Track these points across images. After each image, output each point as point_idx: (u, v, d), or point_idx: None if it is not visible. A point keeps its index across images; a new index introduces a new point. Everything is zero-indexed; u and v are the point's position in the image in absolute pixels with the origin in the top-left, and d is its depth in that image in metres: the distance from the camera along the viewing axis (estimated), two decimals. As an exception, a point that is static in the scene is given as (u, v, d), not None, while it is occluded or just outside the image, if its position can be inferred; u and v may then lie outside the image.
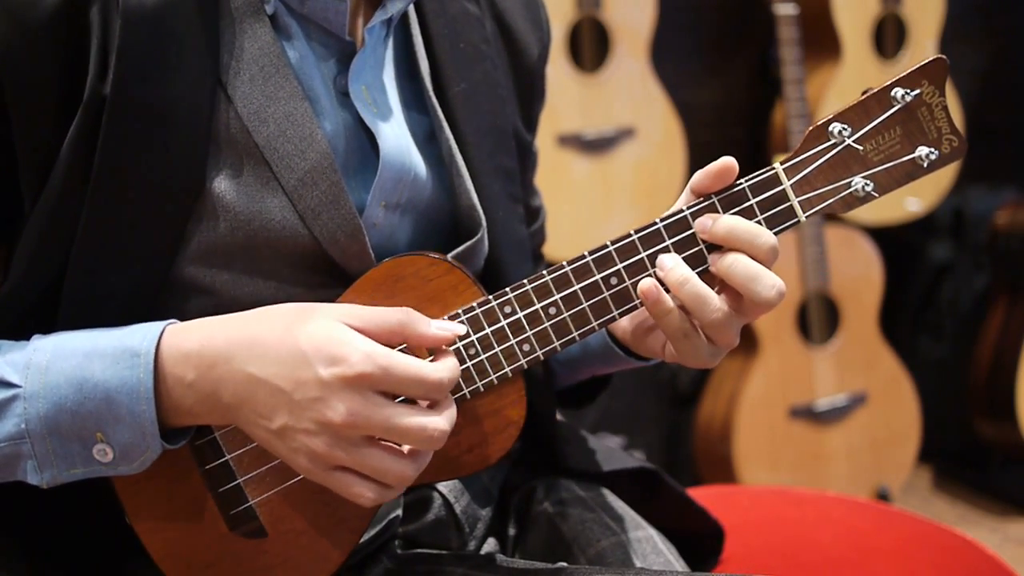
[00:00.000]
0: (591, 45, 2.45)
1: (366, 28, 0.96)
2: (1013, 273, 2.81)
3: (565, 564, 1.01)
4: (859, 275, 2.65)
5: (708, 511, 1.19)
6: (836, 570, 1.24)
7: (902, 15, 2.68)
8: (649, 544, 1.08)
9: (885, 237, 2.75)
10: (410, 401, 0.86)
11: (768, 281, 0.90)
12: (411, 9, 1.03)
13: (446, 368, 0.86)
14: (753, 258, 0.90)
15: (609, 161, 2.45)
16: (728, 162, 0.91)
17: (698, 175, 0.93)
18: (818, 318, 2.60)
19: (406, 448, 0.86)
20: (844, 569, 1.25)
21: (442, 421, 0.84)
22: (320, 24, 0.95)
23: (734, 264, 0.90)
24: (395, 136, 0.98)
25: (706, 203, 0.92)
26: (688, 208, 0.92)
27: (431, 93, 1.02)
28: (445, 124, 1.01)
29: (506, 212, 1.06)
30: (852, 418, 2.63)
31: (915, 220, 2.80)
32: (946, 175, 2.76)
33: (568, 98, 2.40)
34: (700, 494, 1.37)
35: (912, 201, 2.74)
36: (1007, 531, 2.75)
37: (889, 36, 2.68)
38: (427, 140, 1.02)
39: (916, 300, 3.03)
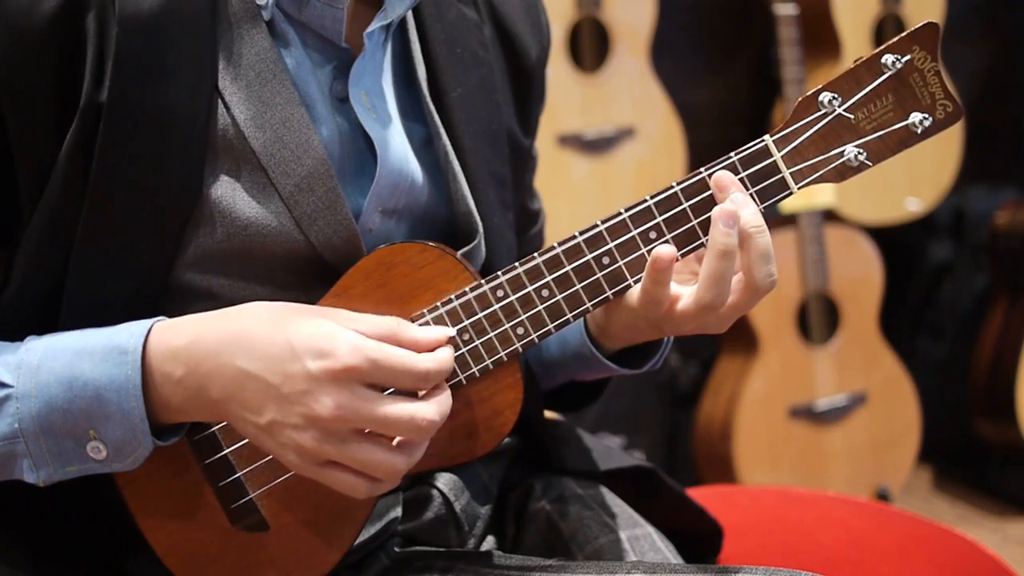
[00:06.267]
0: (591, 45, 2.45)
1: (365, 33, 0.96)
2: (1013, 273, 2.80)
3: (563, 561, 1.01)
4: (859, 275, 2.65)
5: (706, 510, 1.19)
6: (836, 570, 1.24)
7: (902, 15, 2.68)
8: (647, 541, 1.08)
9: (885, 237, 2.75)
10: (403, 392, 0.86)
11: (773, 268, 0.89)
12: (409, 15, 1.03)
13: (435, 358, 0.85)
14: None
15: (609, 161, 2.44)
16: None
17: None
18: (818, 318, 2.60)
19: (397, 440, 0.85)
20: (844, 569, 1.25)
21: (432, 411, 0.84)
22: (316, 31, 0.95)
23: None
24: (393, 142, 0.98)
25: (696, 179, 0.92)
26: (678, 184, 0.92)
27: (428, 99, 1.02)
28: (442, 130, 1.02)
29: (499, 219, 1.06)
30: (852, 418, 2.63)
31: (915, 220, 2.80)
32: (946, 175, 2.76)
33: (568, 98, 2.40)
34: (700, 494, 1.37)
35: (912, 201, 2.74)
36: (1007, 531, 2.74)
37: (889, 36, 2.68)
38: (424, 146, 1.02)
39: (916, 300, 3.03)
